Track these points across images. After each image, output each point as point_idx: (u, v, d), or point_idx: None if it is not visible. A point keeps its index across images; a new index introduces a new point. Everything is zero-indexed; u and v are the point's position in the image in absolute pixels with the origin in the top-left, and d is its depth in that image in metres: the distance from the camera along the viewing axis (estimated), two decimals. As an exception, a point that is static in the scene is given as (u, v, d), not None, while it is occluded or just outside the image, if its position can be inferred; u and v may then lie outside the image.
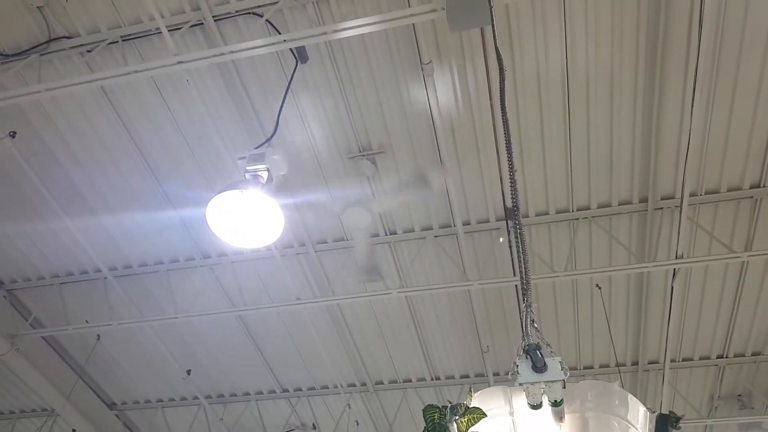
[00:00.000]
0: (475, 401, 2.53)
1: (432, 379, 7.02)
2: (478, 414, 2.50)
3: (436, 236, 5.66)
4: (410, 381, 7.08)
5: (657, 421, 2.42)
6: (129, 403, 7.84)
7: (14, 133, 4.96)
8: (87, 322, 6.31)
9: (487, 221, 5.57)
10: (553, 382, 2.29)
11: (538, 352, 2.33)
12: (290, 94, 4.55)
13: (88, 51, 4.64)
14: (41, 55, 4.68)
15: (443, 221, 5.60)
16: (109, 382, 7.56)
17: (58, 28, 4.61)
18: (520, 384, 2.32)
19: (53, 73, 4.80)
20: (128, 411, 7.90)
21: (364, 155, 5.14)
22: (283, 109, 4.22)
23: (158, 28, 4.23)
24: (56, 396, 6.81)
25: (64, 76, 4.72)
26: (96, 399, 7.60)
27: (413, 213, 5.56)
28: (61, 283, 6.36)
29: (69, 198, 5.59)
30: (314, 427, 7.58)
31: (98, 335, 6.74)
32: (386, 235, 5.75)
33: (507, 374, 2.45)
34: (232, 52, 3.95)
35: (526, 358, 2.33)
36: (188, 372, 6.97)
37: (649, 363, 6.45)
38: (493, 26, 3.36)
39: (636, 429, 2.44)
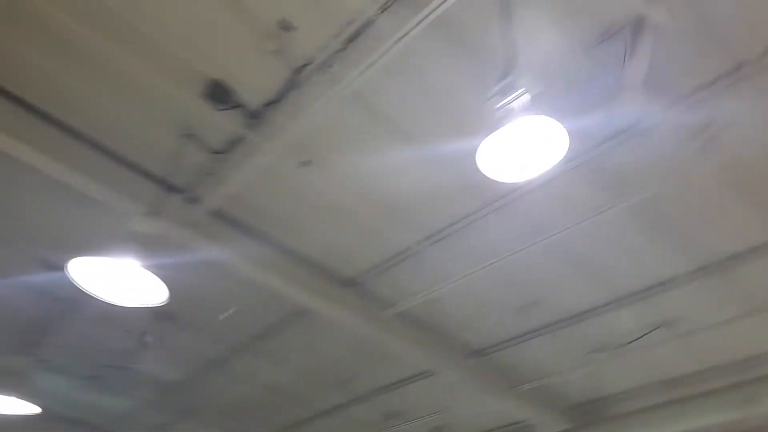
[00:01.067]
0: None
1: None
2: None
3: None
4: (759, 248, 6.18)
5: None
6: (488, 347, 8.57)
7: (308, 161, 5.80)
8: (424, 291, 7.08)
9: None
10: None
11: None
12: (509, 13, 4.34)
13: (329, 66, 5.11)
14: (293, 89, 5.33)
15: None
16: (466, 334, 8.36)
17: (295, 60, 5.14)
18: None
19: (308, 99, 5.38)
20: (490, 355, 8.64)
21: (608, 37, 4.63)
22: (508, 30, 4.06)
23: (369, 19, 4.43)
24: (431, 357, 7.77)
25: (320, 96, 5.24)
26: (461, 351, 8.48)
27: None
28: (391, 266, 7.22)
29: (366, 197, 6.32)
30: (673, 323, 7.21)
31: (439, 298, 7.51)
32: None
33: None
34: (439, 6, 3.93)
35: None
36: (527, 306, 7.35)
37: None
38: None
39: None
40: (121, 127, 5.87)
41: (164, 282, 4.90)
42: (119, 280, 5.00)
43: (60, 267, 7.82)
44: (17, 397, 7.00)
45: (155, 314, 8.46)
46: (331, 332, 8.49)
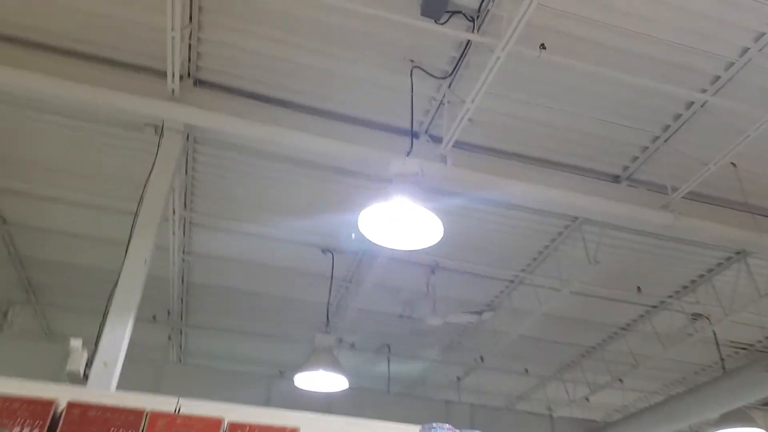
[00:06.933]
0: None
1: None
2: None
3: None
4: None
5: None
6: None
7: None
8: (714, 157, 5.92)
9: None
10: None
11: None
12: None
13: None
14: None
15: None
16: None
17: None
18: None
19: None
20: None
21: None
22: None
23: None
24: (742, 236, 6.53)
25: None
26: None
27: None
28: (666, 140, 6.19)
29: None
30: None
31: (734, 161, 6.28)
32: None
33: None
34: None
35: None
36: None
37: None
38: None
39: None
40: (353, 89, 5.86)
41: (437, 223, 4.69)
42: (397, 225, 4.93)
43: (333, 248, 8.31)
44: (327, 371, 7.57)
45: (425, 268, 8.53)
46: (612, 237, 7.65)
